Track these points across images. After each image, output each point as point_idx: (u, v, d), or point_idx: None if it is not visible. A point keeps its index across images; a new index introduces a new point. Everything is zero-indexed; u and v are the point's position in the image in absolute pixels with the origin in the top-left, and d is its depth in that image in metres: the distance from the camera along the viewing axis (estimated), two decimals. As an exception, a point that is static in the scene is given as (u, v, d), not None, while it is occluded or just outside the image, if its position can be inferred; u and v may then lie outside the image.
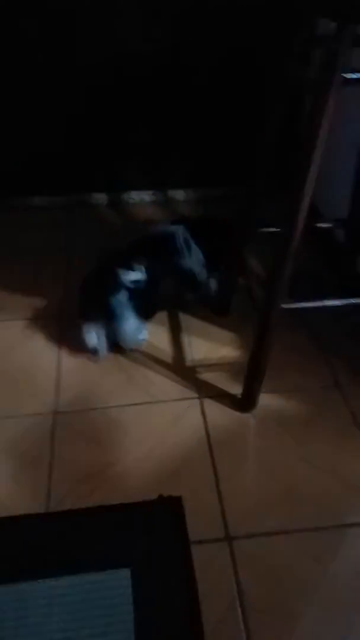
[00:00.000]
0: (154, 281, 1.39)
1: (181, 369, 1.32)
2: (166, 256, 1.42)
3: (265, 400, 1.22)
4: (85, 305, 1.38)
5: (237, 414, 1.20)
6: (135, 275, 1.36)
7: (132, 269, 1.36)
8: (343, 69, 0.81)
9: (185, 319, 1.48)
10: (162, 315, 1.47)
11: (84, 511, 1.01)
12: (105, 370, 1.31)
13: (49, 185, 1.95)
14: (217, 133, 1.88)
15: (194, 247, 1.44)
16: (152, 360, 1.35)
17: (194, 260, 1.43)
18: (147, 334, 1.39)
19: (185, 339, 1.41)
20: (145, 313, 1.39)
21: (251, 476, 1.08)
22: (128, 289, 1.34)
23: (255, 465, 1.11)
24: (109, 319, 1.31)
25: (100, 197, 1.99)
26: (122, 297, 1.33)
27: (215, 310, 1.48)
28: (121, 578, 0.90)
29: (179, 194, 2.01)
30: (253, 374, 1.16)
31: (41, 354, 1.36)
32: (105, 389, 1.26)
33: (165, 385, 1.28)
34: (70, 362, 1.34)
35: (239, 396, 1.22)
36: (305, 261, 1.12)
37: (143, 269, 1.37)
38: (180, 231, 1.44)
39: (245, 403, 1.20)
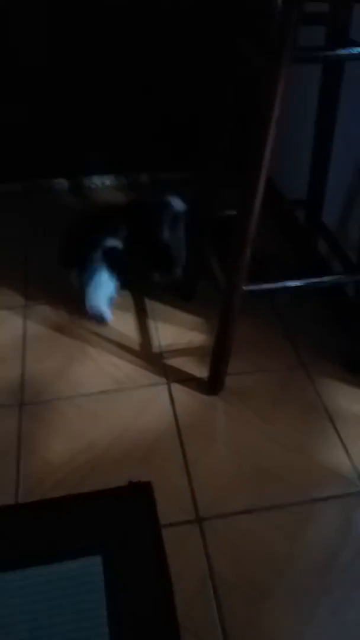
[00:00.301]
0: (127, 249, 1.35)
1: (148, 355, 1.32)
2: (145, 225, 1.38)
3: (232, 382, 1.23)
4: (65, 258, 1.39)
5: (204, 396, 1.21)
6: (110, 241, 1.34)
7: (108, 234, 1.34)
8: (293, 45, 0.80)
9: (151, 304, 1.48)
10: (128, 301, 1.46)
11: (53, 501, 1.00)
12: (71, 358, 1.30)
13: (7, 172, 1.90)
14: (180, 115, 1.86)
15: (181, 226, 1.37)
16: (119, 347, 1.34)
17: (174, 238, 1.38)
18: (112, 316, 1.36)
19: (152, 325, 1.41)
20: (116, 276, 1.36)
21: (220, 457, 1.09)
22: (102, 251, 1.33)
23: (223, 446, 1.12)
24: (79, 272, 1.32)
25: (61, 183, 1.95)
26: (95, 256, 1.32)
27: (182, 295, 1.47)
28: (92, 565, 0.90)
29: (141, 178, 1.99)
30: (218, 357, 1.17)
31: (5, 346, 1.33)
32: (72, 377, 1.25)
33: (133, 372, 1.27)
34: (35, 352, 1.32)
35: (206, 379, 1.23)
36: (269, 243, 1.13)
37: (119, 234, 1.35)
38: (174, 205, 1.38)
39: (212, 386, 1.21)
